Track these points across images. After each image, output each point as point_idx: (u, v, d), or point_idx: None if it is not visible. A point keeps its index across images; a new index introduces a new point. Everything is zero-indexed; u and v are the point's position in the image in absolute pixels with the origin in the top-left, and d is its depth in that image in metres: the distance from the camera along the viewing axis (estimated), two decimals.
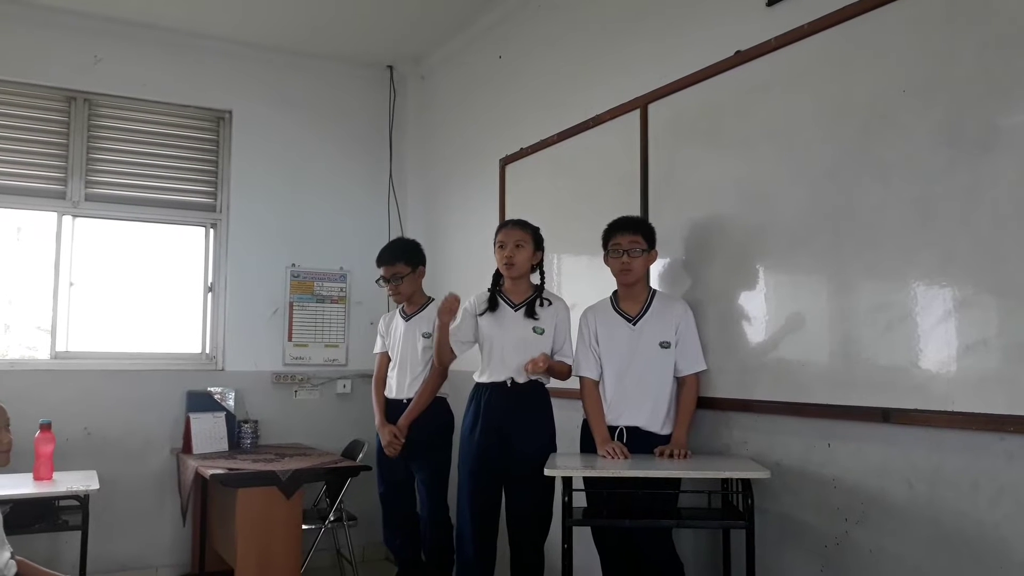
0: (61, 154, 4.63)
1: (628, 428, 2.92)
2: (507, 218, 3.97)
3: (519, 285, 3.29)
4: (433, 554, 3.69)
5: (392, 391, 3.76)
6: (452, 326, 3.33)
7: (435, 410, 3.68)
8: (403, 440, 3.63)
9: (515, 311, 3.25)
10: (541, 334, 3.20)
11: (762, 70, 2.81)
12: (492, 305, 3.28)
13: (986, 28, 2.15)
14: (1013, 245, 2.06)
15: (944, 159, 2.23)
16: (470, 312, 3.33)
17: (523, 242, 3.24)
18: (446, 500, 3.67)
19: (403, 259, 3.73)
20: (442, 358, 3.39)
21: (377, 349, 3.95)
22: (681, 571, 2.81)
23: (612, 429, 2.93)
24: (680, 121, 3.18)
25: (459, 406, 3.69)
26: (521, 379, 3.17)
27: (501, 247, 3.25)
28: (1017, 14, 2.09)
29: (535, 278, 3.34)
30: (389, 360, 3.86)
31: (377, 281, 3.82)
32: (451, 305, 3.19)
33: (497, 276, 3.34)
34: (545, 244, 3.34)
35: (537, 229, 3.30)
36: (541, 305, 3.24)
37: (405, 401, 3.69)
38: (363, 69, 5.39)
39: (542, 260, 3.32)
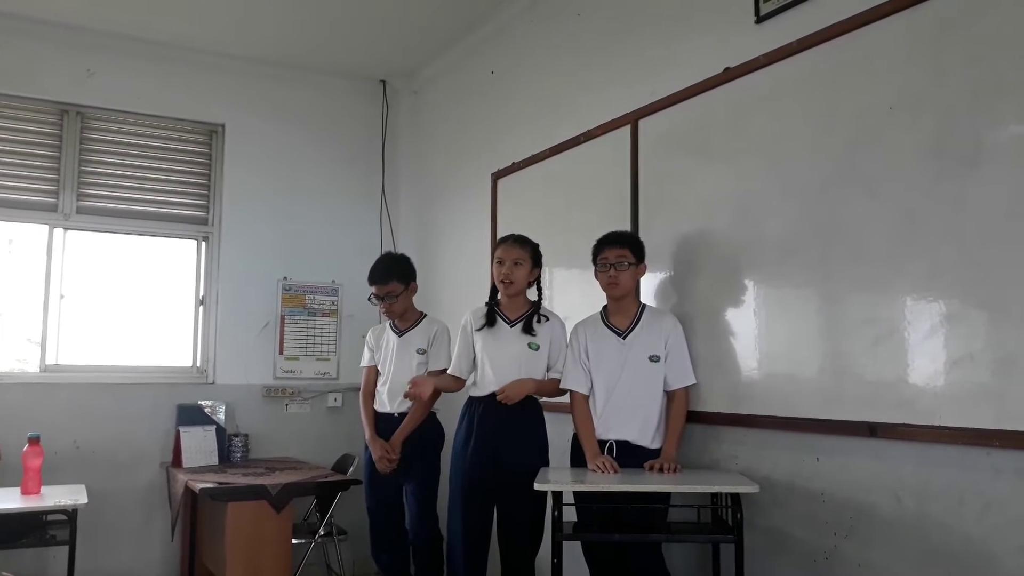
0: (53, 167, 4.63)
1: (618, 442, 2.92)
2: (500, 233, 3.99)
3: (515, 301, 3.30)
4: (423, 569, 3.67)
5: (384, 405, 3.74)
6: (454, 355, 3.40)
7: (425, 425, 3.67)
8: (396, 457, 3.62)
9: (511, 327, 3.26)
10: (537, 350, 3.21)
11: (751, 86, 2.83)
12: (490, 321, 3.29)
13: (972, 44, 2.18)
14: (999, 259, 2.08)
15: (931, 173, 2.25)
16: (468, 331, 3.34)
17: (522, 260, 3.24)
18: (436, 514, 3.66)
19: (397, 276, 3.70)
20: (451, 391, 3.44)
21: (365, 362, 3.92)
22: None
23: (602, 443, 2.93)
24: (670, 136, 3.20)
25: (447, 421, 3.69)
26: None
27: (499, 263, 3.25)
28: (1002, 30, 2.11)
29: (531, 294, 3.34)
30: (377, 374, 3.84)
31: (369, 298, 3.79)
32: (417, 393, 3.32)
33: (494, 290, 3.35)
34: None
35: (536, 246, 3.30)
36: (538, 322, 3.25)
37: (397, 415, 3.68)
38: (356, 83, 5.41)
39: (539, 277, 3.33)
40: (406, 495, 3.73)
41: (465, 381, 3.36)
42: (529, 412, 3.22)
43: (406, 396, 3.41)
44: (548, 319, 3.27)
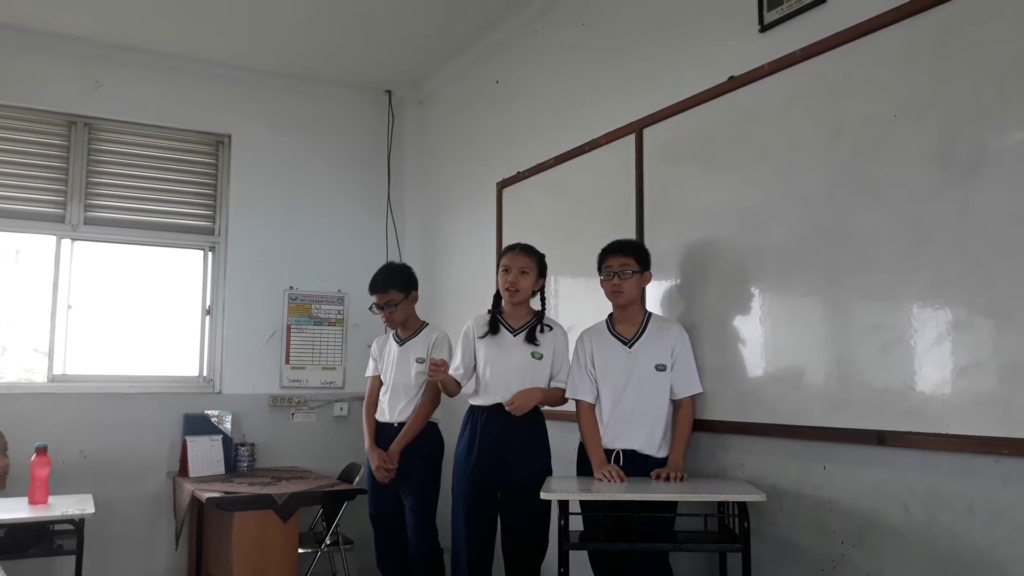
0: (61, 178, 4.65)
1: (624, 451, 2.92)
2: (506, 242, 3.99)
3: (519, 310, 3.30)
4: None
5: (384, 415, 3.74)
6: (454, 358, 3.38)
7: (425, 435, 3.65)
8: (394, 466, 3.61)
9: (514, 336, 3.26)
10: (540, 359, 3.21)
11: (755, 95, 2.84)
12: (493, 328, 3.29)
13: (975, 52, 2.18)
14: (1005, 266, 2.08)
15: (936, 181, 2.25)
16: (470, 337, 3.34)
17: (528, 269, 3.24)
18: (435, 526, 3.64)
19: (396, 286, 3.71)
20: (449, 392, 3.42)
21: (369, 373, 3.91)
22: None
23: (609, 452, 2.93)
24: (675, 145, 3.20)
25: (448, 431, 3.69)
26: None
27: (505, 271, 3.25)
28: (1005, 39, 2.12)
29: (535, 303, 3.34)
30: (381, 384, 3.85)
31: (370, 308, 3.80)
32: (438, 368, 3.21)
33: (497, 298, 3.35)
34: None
35: (542, 256, 3.31)
36: (542, 331, 3.25)
37: (396, 425, 3.67)
38: (362, 94, 5.43)
39: (544, 287, 3.33)
40: (405, 507, 3.72)
41: (462, 386, 3.36)
42: (532, 421, 3.21)
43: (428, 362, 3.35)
44: (551, 328, 3.27)
